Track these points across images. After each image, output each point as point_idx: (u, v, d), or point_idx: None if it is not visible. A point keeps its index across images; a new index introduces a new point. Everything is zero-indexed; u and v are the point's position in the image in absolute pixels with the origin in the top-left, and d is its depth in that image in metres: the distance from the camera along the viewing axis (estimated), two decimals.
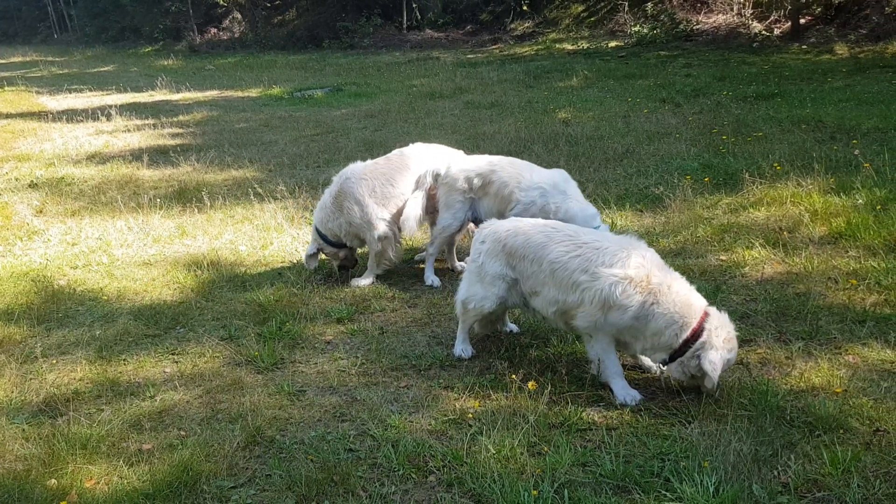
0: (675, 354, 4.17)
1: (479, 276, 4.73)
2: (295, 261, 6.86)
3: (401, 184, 6.14)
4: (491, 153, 10.03)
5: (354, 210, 6.10)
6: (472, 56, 24.38)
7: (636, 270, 4.17)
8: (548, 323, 4.81)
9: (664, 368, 4.38)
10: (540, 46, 24.64)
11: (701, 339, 4.08)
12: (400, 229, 6.24)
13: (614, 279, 4.17)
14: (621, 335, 4.32)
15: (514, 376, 4.52)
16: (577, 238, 4.43)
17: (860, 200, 6.84)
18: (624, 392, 4.30)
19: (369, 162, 6.35)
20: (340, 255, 6.41)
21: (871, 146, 8.73)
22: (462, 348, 4.93)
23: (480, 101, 14.97)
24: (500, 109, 13.81)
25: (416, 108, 14.69)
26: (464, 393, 4.46)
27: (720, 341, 4.07)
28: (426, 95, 16.33)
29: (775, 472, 3.56)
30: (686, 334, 4.11)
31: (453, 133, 11.76)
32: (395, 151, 6.42)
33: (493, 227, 4.84)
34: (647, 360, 4.57)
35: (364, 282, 6.25)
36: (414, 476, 3.75)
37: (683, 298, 4.15)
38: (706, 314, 4.15)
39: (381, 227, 6.12)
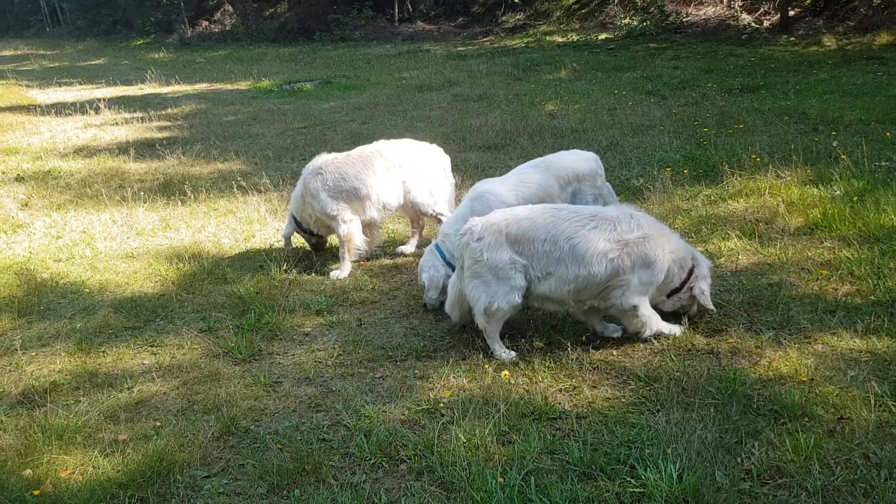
0: None
1: (494, 274, 4.63)
2: (277, 253, 6.89)
3: (356, 179, 6.27)
4: (476, 146, 10.21)
5: (314, 204, 6.33)
6: (462, 48, 24.36)
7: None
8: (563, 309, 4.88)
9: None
10: (530, 39, 24.64)
11: None
12: (369, 223, 6.47)
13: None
14: None
15: (487, 366, 4.58)
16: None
17: (838, 191, 6.90)
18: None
19: (332, 155, 6.48)
20: (313, 241, 6.79)
21: (853, 137, 8.78)
22: (505, 353, 4.76)
23: (469, 93, 14.98)
24: (487, 102, 13.83)
25: (405, 101, 14.70)
26: (438, 383, 4.51)
27: None
28: (415, 88, 16.33)
29: (739, 459, 3.62)
30: None
31: (440, 126, 11.79)
32: (359, 148, 6.54)
33: (486, 220, 4.72)
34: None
35: (342, 274, 6.31)
36: (385, 465, 3.80)
37: None
38: None
39: (341, 217, 6.28)
